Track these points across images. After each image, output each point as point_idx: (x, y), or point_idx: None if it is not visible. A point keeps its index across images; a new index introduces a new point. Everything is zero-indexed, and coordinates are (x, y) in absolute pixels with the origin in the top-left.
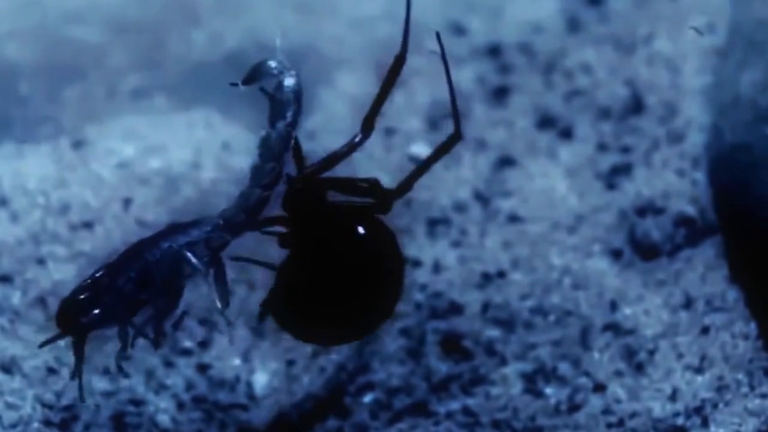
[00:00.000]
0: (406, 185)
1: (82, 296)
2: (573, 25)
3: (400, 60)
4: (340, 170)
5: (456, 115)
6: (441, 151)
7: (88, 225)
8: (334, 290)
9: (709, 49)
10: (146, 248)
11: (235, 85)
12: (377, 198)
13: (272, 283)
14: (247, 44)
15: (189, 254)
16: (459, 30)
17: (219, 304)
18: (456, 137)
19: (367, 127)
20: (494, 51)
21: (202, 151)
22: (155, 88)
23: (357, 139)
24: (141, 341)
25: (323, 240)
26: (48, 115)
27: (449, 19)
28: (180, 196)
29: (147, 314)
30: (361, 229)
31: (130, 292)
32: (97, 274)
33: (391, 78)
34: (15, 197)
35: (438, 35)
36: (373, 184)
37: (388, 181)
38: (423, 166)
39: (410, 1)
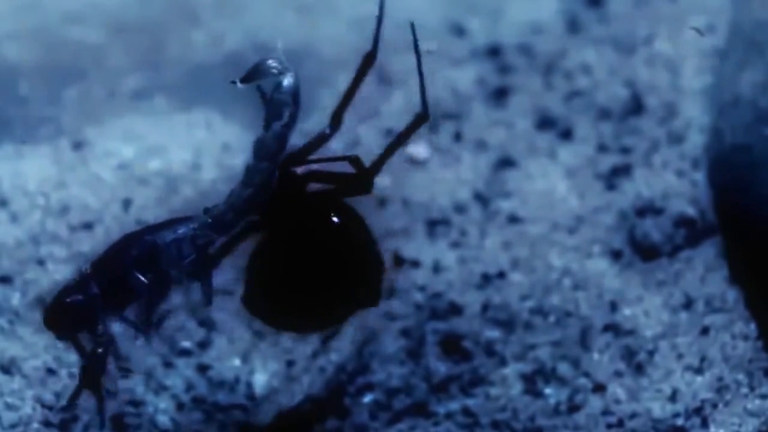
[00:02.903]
0: (379, 164)
1: (68, 298)
2: (573, 26)
3: (369, 58)
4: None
5: (423, 95)
6: (409, 130)
7: (87, 226)
8: (305, 277)
9: (708, 50)
10: (131, 244)
11: (233, 83)
12: (356, 178)
13: (245, 270)
14: (247, 45)
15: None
16: (459, 31)
17: (201, 304)
18: (424, 117)
19: (335, 123)
20: (494, 52)
21: (201, 152)
22: (155, 88)
23: (326, 132)
24: (140, 341)
25: (296, 226)
26: (48, 115)
27: (449, 19)
28: (180, 196)
29: (135, 308)
30: (334, 217)
31: (115, 287)
32: (83, 271)
33: (360, 74)
34: (15, 198)
35: (412, 25)
36: (354, 162)
37: (387, 181)
38: (393, 145)
39: (383, 2)
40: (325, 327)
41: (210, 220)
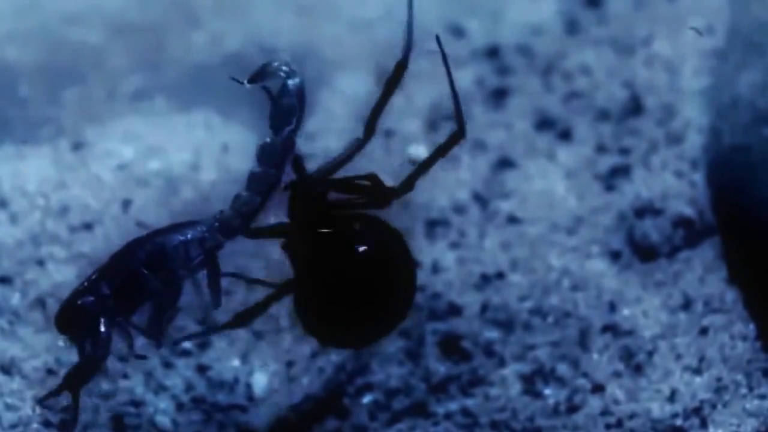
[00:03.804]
0: (408, 184)
1: (79, 301)
2: (572, 27)
3: (401, 65)
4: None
5: (459, 113)
6: (444, 149)
7: (87, 226)
8: (349, 294)
9: (707, 51)
10: (140, 247)
11: (240, 82)
12: (377, 194)
13: (292, 294)
14: (247, 46)
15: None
16: (458, 32)
17: (209, 306)
18: (459, 135)
19: (369, 130)
20: (493, 53)
21: (201, 153)
22: (155, 89)
23: (358, 143)
24: (140, 342)
25: (333, 247)
26: (48, 116)
27: (449, 20)
28: (179, 197)
29: (146, 313)
30: (367, 233)
31: (126, 288)
32: (93, 276)
33: (392, 82)
34: (15, 199)
35: (438, 38)
36: (373, 179)
37: (387, 182)
38: (425, 165)
39: (412, 7)
40: (369, 342)
41: (217, 225)
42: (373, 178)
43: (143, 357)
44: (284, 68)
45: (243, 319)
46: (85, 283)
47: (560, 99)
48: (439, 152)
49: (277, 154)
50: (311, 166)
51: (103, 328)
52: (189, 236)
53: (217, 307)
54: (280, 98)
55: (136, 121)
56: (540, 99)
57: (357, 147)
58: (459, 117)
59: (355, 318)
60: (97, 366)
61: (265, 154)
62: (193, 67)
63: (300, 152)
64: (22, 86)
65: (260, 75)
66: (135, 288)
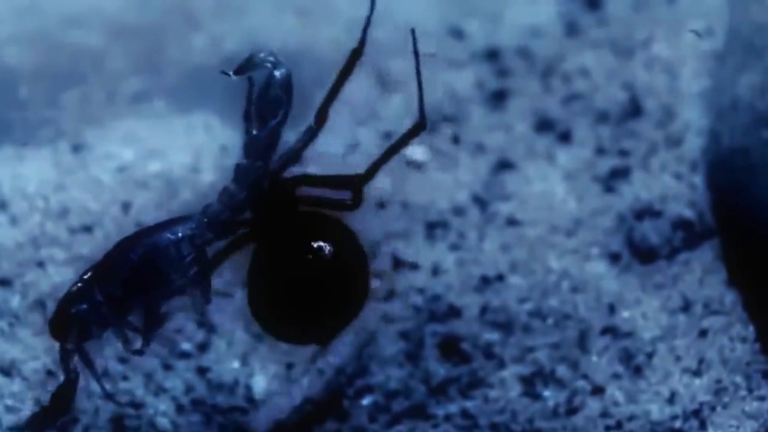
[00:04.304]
0: (369, 174)
1: (75, 308)
2: (571, 29)
3: (356, 53)
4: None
5: (421, 103)
6: (406, 138)
7: (87, 228)
8: (298, 290)
9: (707, 53)
10: (132, 249)
11: (227, 75)
12: (340, 183)
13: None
14: (247, 48)
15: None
16: (458, 34)
17: (201, 304)
18: (420, 126)
19: (321, 119)
20: (493, 55)
21: (201, 155)
22: (155, 91)
23: (311, 132)
24: (138, 344)
25: (288, 243)
26: (48, 118)
27: (448, 23)
28: (179, 199)
29: (139, 311)
30: (324, 233)
31: (119, 292)
32: (85, 279)
33: (345, 70)
34: (14, 201)
35: (413, 31)
36: (334, 179)
37: (387, 184)
38: (386, 154)
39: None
40: (320, 339)
41: (206, 220)
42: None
43: (141, 353)
44: (270, 59)
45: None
46: (77, 287)
47: (560, 101)
48: (400, 143)
49: (263, 147)
50: (304, 165)
51: (69, 361)
52: (179, 235)
53: (208, 303)
54: (266, 90)
55: (135, 123)
56: (539, 101)
57: (310, 136)
58: (421, 107)
59: (303, 315)
60: (73, 390)
61: (251, 146)
62: (193, 70)
63: (254, 134)
64: (22, 88)
65: (246, 66)
66: (129, 291)
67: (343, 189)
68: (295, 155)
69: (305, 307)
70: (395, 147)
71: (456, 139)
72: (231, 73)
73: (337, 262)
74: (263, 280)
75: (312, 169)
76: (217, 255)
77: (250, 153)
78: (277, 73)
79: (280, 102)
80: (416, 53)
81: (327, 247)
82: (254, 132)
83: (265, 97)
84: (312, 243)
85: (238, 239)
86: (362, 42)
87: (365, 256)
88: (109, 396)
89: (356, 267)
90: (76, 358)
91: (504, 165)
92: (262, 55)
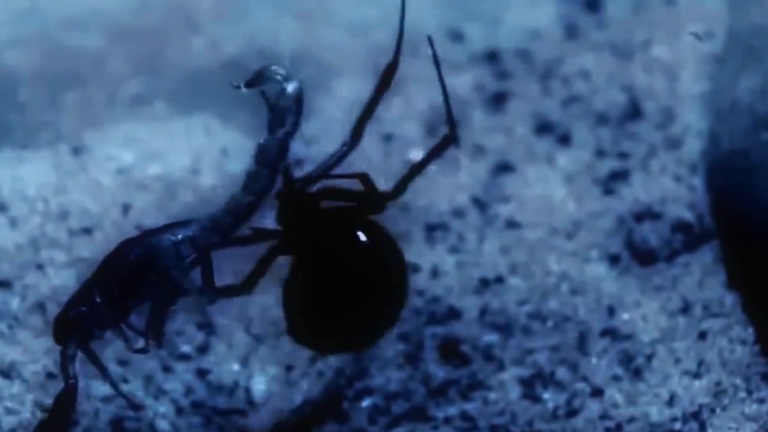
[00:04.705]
0: (401, 187)
1: (74, 311)
2: (571, 32)
3: (392, 67)
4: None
5: (450, 117)
6: (434, 153)
7: (87, 231)
8: (341, 299)
9: (706, 56)
10: (131, 250)
11: (237, 87)
12: (369, 199)
13: (282, 301)
14: (246, 51)
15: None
16: (457, 36)
17: (203, 305)
18: (450, 139)
19: (357, 135)
20: (492, 57)
21: (201, 157)
22: (154, 94)
23: (346, 148)
24: (140, 346)
25: (323, 251)
26: (47, 121)
27: (448, 25)
28: (179, 201)
29: (144, 313)
30: (361, 236)
31: (118, 293)
32: (86, 283)
33: (383, 85)
34: (14, 203)
35: (430, 39)
36: (364, 180)
37: (387, 186)
38: (416, 168)
39: (404, 9)
40: (362, 346)
41: (209, 224)
42: (364, 178)
43: (144, 351)
44: (281, 72)
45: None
46: (80, 291)
47: (559, 103)
48: (431, 156)
49: (272, 155)
50: (306, 170)
51: (69, 368)
52: (180, 236)
53: (212, 304)
54: (277, 101)
55: (135, 125)
56: (539, 103)
57: (345, 152)
58: (450, 121)
59: (344, 324)
60: (74, 393)
61: (259, 154)
62: (193, 72)
63: (289, 161)
64: (21, 91)
65: (257, 79)
66: (128, 292)
67: (369, 205)
68: (327, 170)
69: (354, 309)
70: (423, 163)
71: (455, 142)
72: (242, 85)
73: (376, 256)
74: (308, 291)
75: (311, 169)
76: (258, 266)
77: (258, 160)
78: (288, 87)
79: (290, 113)
80: (437, 64)
81: (363, 239)
82: (262, 141)
83: (276, 108)
84: (348, 240)
85: (270, 252)
86: (397, 54)
87: (400, 251)
88: (119, 392)
89: (395, 261)
90: (77, 364)
91: (504, 167)
92: (273, 68)
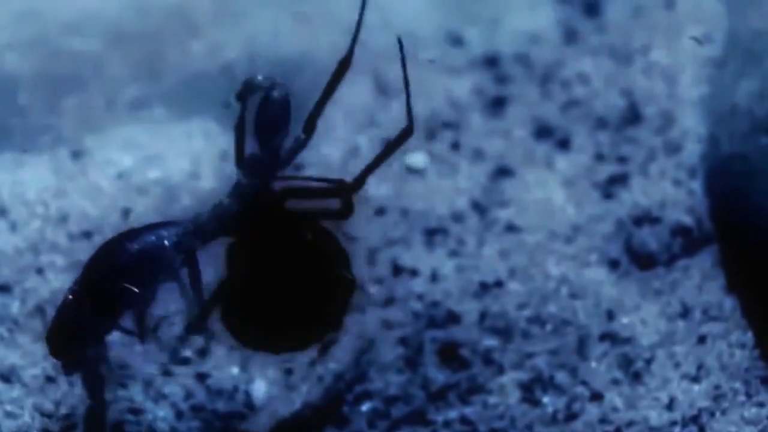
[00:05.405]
0: (360, 181)
1: (62, 320)
2: (570, 36)
3: (344, 63)
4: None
5: (409, 108)
6: (393, 145)
7: (87, 234)
8: (278, 296)
9: (705, 60)
10: (114, 252)
11: (228, 105)
12: (331, 191)
13: (217, 286)
14: (246, 54)
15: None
16: (456, 40)
17: (193, 307)
18: (408, 131)
19: (309, 128)
20: (492, 61)
21: (200, 161)
22: (154, 98)
23: (300, 141)
24: (140, 349)
25: (268, 246)
26: (47, 125)
27: (447, 29)
28: (178, 205)
29: (130, 316)
30: (308, 236)
31: (107, 298)
32: (72, 291)
33: (335, 80)
34: (14, 207)
35: (399, 39)
36: (340, 186)
37: (386, 190)
38: (375, 162)
39: (365, 5)
40: (294, 348)
41: (192, 227)
42: (341, 183)
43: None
44: (267, 81)
45: (198, 325)
46: (66, 302)
47: (559, 107)
48: (389, 148)
49: (262, 166)
50: (306, 173)
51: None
52: (164, 239)
53: (199, 307)
54: (264, 111)
55: (135, 129)
56: (538, 107)
57: (300, 145)
58: (409, 112)
59: (277, 324)
60: (103, 402)
61: (249, 165)
62: (192, 76)
63: (255, 153)
64: (21, 95)
65: (245, 90)
66: (114, 299)
67: (333, 197)
68: (284, 165)
69: (279, 315)
70: (384, 154)
71: (455, 146)
72: (232, 101)
73: (320, 260)
74: (242, 288)
75: (311, 173)
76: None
77: (248, 171)
78: (273, 94)
79: (279, 122)
80: (403, 60)
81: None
82: (254, 152)
83: (264, 118)
84: (286, 242)
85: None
86: (350, 51)
87: (347, 257)
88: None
89: (339, 282)
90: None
91: (503, 171)
92: (259, 77)
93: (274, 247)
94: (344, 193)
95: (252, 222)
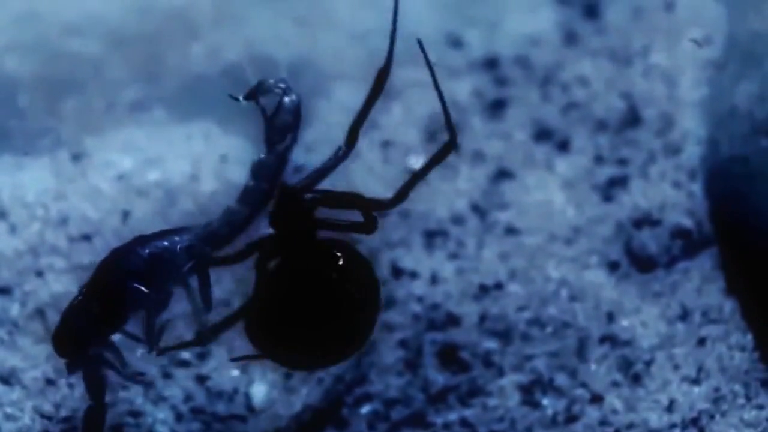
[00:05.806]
0: (402, 195)
1: (70, 325)
2: (570, 38)
3: (384, 72)
4: (340, 183)
5: (450, 123)
6: (435, 160)
7: (86, 237)
8: (307, 316)
9: (705, 62)
10: (124, 256)
11: (236, 99)
12: (368, 206)
13: (249, 302)
14: (246, 57)
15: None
16: (456, 43)
17: (201, 313)
18: (450, 146)
19: (351, 141)
20: (491, 64)
21: (200, 164)
22: (154, 100)
23: (340, 153)
24: (139, 353)
25: (304, 264)
26: (47, 127)
27: (446, 31)
28: (178, 208)
29: (139, 321)
30: (339, 260)
31: (115, 306)
32: (81, 294)
33: (375, 91)
34: (14, 209)
35: (420, 43)
36: (358, 200)
37: (386, 193)
38: (417, 175)
39: (397, 12)
40: (319, 366)
41: (204, 234)
42: (358, 198)
43: (141, 375)
44: (281, 85)
45: (208, 336)
46: (75, 302)
47: (558, 110)
48: (432, 163)
49: (270, 170)
50: (301, 175)
51: (94, 355)
52: (176, 246)
53: (209, 312)
54: (275, 115)
55: (135, 131)
56: (538, 110)
57: (340, 158)
58: (450, 127)
59: (305, 341)
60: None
61: (257, 169)
62: (192, 78)
63: (288, 168)
64: (21, 97)
65: (256, 92)
66: (124, 302)
67: (366, 212)
68: (322, 176)
69: (309, 329)
70: (425, 169)
71: (455, 148)
72: (241, 98)
73: (349, 294)
74: (273, 299)
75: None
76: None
77: (256, 175)
78: (287, 100)
79: (288, 127)
80: (431, 70)
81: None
82: (262, 155)
83: (274, 122)
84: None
85: (261, 256)
86: (389, 60)
87: (377, 286)
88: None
89: (364, 295)
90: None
91: (503, 174)
92: (272, 81)
93: (306, 270)
94: (379, 209)
95: (286, 244)
